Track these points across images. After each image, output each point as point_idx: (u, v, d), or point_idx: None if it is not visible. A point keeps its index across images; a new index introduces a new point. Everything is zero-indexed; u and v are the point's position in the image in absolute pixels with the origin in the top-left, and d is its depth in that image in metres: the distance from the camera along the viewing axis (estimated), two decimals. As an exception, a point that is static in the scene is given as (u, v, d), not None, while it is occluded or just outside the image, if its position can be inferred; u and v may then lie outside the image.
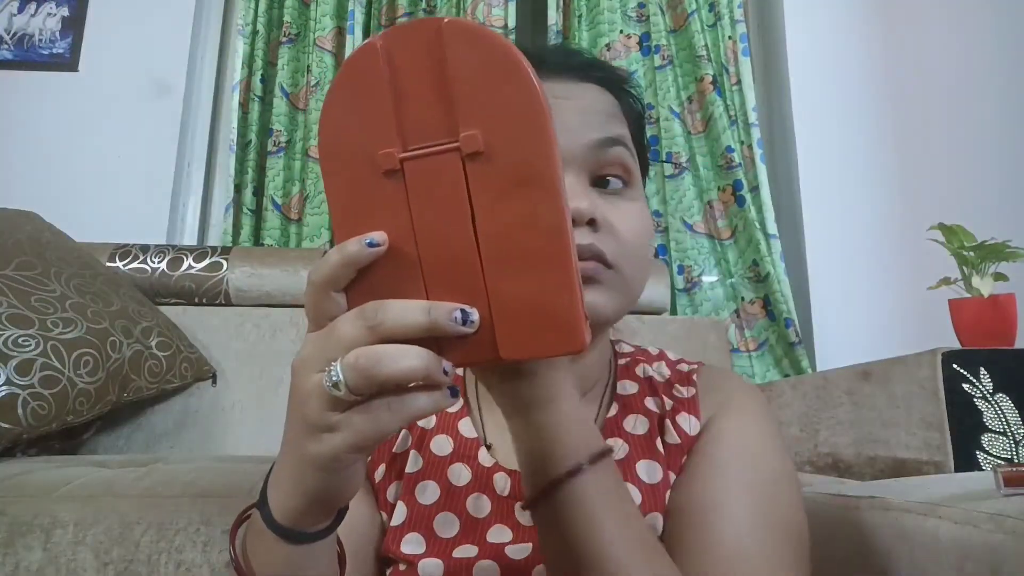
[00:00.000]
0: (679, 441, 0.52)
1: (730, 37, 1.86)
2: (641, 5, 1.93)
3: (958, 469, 0.79)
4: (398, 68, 0.30)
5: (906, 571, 0.47)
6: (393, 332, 0.29)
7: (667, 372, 0.58)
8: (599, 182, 0.49)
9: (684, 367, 0.59)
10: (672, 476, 0.51)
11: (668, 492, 0.50)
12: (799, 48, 1.89)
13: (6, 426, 0.91)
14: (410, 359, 0.29)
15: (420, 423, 0.56)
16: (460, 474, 0.53)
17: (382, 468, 0.55)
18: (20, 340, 0.96)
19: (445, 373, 0.30)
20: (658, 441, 0.52)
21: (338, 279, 0.30)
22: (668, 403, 0.55)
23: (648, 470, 0.51)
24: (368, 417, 0.29)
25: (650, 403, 0.55)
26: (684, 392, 0.55)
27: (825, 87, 1.86)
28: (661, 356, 0.61)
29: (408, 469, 0.54)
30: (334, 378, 0.29)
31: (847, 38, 1.90)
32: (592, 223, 0.46)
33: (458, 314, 0.29)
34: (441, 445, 0.55)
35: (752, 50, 1.95)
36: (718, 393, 0.55)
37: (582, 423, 0.39)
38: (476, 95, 0.29)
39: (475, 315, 0.29)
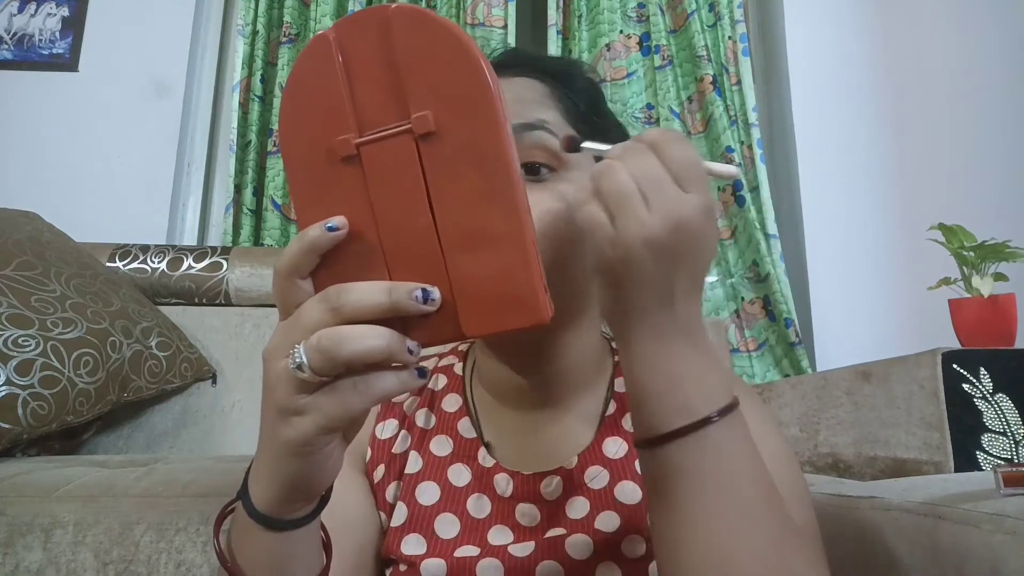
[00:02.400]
0: None
1: (730, 37, 1.86)
2: (641, 5, 1.93)
3: (958, 469, 0.79)
4: (351, 57, 0.31)
5: (906, 571, 0.47)
6: (355, 313, 0.29)
7: None
8: (529, 169, 0.48)
9: None
10: None
11: None
12: (799, 48, 1.89)
13: (6, 426, 0.91)
14: (372, 338, 0.29)
15: (419, 423, 0.56)
16: (460, 474, 0.53)
17: (381, 468, 0.55)
18: (20, 340, 0.96)
19: (411, 352, 0.30)
20: None
21: (301, 266, 0.31)
22: None
23: None
24: (335, 398, 0.30)
25: None
26: None
27: (825, 87, 1.86)
28: None
29: (408, 470, 0.54)
30: (298, 360, 0.29)
31: (847, 38, 1.90)
32: None
33: (419, 293, 0.29)
34: (441, 445, 0.55)
35: (752, 50, 1.95)
36: None
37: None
38: (425, 77, 0.30)
39: (436, 293, 0.30)
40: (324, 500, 0.36)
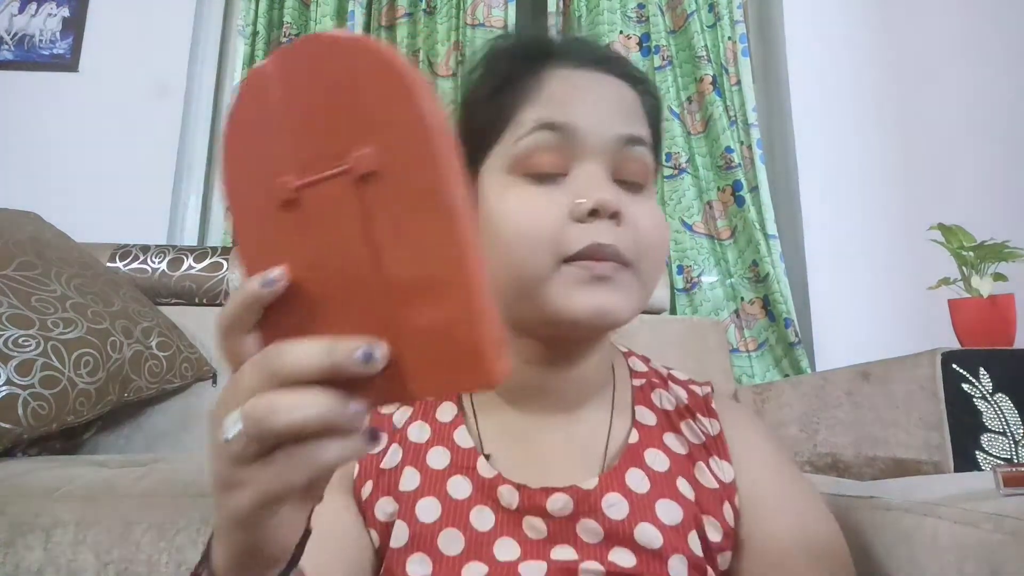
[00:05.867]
0: (716, 487, 0.51)
1: (730, 38, 1.86)
2: (641, 6, 1.93)
3: (958, 469, 0.79)
4: (289, 91, 0.28)
5: (906, 571, 0.48)
6: (293, 377, 0.26)
7: (684, 395, 0.57)
8: (621, 181, 0.49)
9: (697, 389, 0.58)
10: (702, 518, 0.49)
11: (691, 534, 0.49)
12: (799, 48, 1.89)
13: (6, 426, 0.91)
14: (306, 407, 0.26)
15: (412, 438, 0.54)
16: (460, 487, 0.50)
17: (369, 484, 0.52)
18: (20, 340, 0.97)
19: (356, 417, 0.27)
20: (680, 481, 0.51)
21: (242, 321, 0.29)
22: (694, 438, 0.54)
23: (668, 511, 0.49)
24: (272, 471, 0.27)
25: (670, 440, 0.54)
26: (708, 426, 0.55)
27: (825, 87, 1.86)
28: (672, 377, 0.60)
29: (404, 487, 0.51)
30: (231, 431, 0.27)
31: (846, 38, 1.90)
32: (616, 216, 0.46)
33: (361, 353, 0.26)
34: (438, 458, 0.52)
35: (752, 51, 1.96)
36: (740, 432, 0.55)
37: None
38: (365, 112, 0.27)
39: (380, 352, 0.26)
40: (295, 560, 0.33)
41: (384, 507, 0.51)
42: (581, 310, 0.46)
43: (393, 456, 0.53)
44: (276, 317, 0.29)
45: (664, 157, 1.84)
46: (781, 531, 0.49)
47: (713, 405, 0.56)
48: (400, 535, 0.49)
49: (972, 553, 0.42)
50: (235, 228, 0.30)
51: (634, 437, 0.53)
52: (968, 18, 1.87)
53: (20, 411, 0.92)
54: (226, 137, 0.30)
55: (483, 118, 0.52)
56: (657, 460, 0.52)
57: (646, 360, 0.61)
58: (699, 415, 0.55)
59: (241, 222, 0.30)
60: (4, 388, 0.92)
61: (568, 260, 0.46)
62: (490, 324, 0.26)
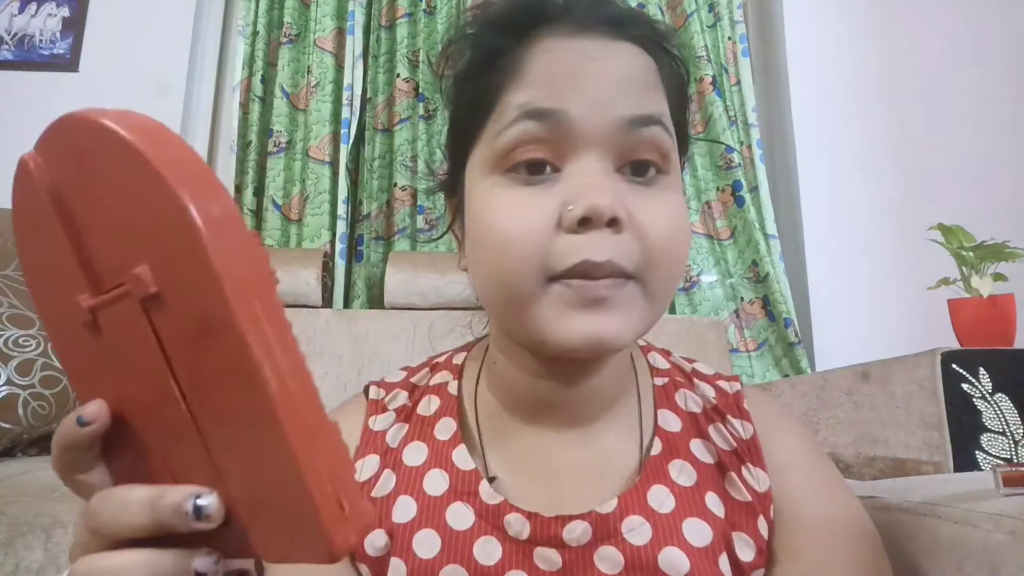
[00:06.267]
0: (749, 499, 0.44)
1: (729, 38, 1.86)
2: (641, 5, 1.93)
3: (957, 469, 0.79)
4: (58, 190, 0.23)
5: (905, 571, 0.47)
6: (118, 535, 0.23)
7: (712, 394, 0.50)
8: (629, 167, 0.41)
9: (725, 385, 0.51)
10: (732, 536, 0.43)
11: (722, 556, 0.43)
12: (799, 48, 1.89)
13: (7, 426, 0.91)
14: (129, 572, 0.22)
15: (407, 461, 0.47)
16: (461, 516, 0.44)
17: None
18: (21, 340, 0.97)
19: (210, 570, 0.23)
20: (709, 497, 0.44)
21: (72, 464, 0.25)
22: (724, 444, 0.47)
23: (697, 531, 0.43)
24: None
25: (697, 447, 0.47)
26: (740, 429, 0.47)
27: (824, 87, 1.86)
28: (697, 373, 0.52)
29: (399, 518, 0.44)
30: None
31: (846, 38, 1.90)
32: (614, 223, 0.38)
33: (189, 507, 0.22)
34: (435, 483, 0.46)
35: (751, 51, 1.96)
36: (775, 434, 0.48)
37: None
38: (135, 220, 0.21)
39: (211, 506, 0.22)
40: None
41: (374, 541, 0.44)
42: (571, 338, 0.39)
43: (386, 483, 0.46)
44: (116, 450, 0.25)
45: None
46: (819, 547, 0.43)
47: (745, 405, 0.49)
48: (397, 574, 0.43)
49: (971, 553, 0.42)
50: (51, 341, 0.25)
51: (657, 448, 0.46)
52: (968, 18, 1.87)
53: (20, 411, 0.92)
54: (16, 236, 0.25)
55: (465, 104, 0.45)
56: (683, 473, 0.45)
57: (666, 354, 0.54)
58: (730, 417, 0.48)
59: (54, 341, 0.26)
60: (4, 388, 0.92)
61: (556, 278, 0.39)
62: (321, 492, 0.21)
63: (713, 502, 0.44)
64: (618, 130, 0.40)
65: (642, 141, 0.40)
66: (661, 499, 0.44)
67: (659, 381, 0.50)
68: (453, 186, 0.48)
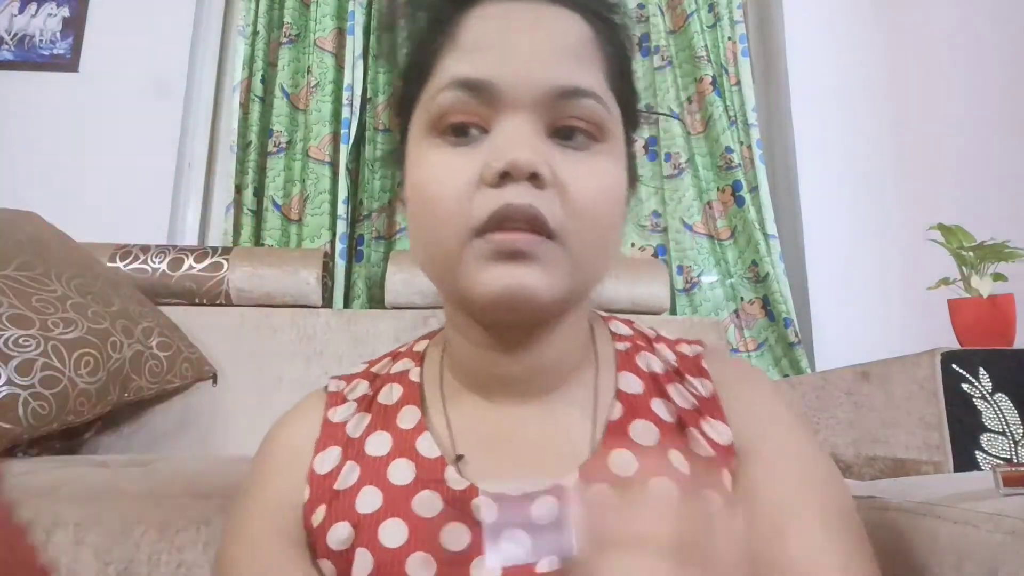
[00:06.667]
0: (712, 454, 0.44)
1: (729, 38, 1.86)
2: (641, 6, 1.93)
3: (957, 469, 0.79)
4: None
5: (905, 571, 0.48)
6: None
7: (671, 356, 0.50)
8: (561, 132, 0.41)
9: (686, 349, 0.51)
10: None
11: None
12: (799, 48, 1.89)
13: (7, 426, 0.91)
14: None
15: (370, 451, 0.46)
16: (428, 503, 0.43)
17: (322, 510, 0.45)
18: (21, 340, 0.97)
19: None
20: (672, 455, 0.44)
21: None
22: (684, 403, 0.47)
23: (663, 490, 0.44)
24: None
25: (658, 407, 0.47)
26: (699, 387, 0.48)
27: (824, 87, 1.86)
28: (660, 339, 0.52)
29: (363, 509, 0.44)
30: None
31: (846, 38, 1.90)
32: (535, 178, 0.38)
33: None
34: (401, 473, 0.45)
35: (752, 51, 1.96)
36: (735, 387, 0.48)
37: None
38: None
39: None
40: None
41: (338, 533, 0.43)
42: (490, 289, 0.39)
43: (349, 474, 0.45)
44: None
45: (664, 156, 1.84)
46: (778, 490, 0.43)
47: (703, 364, 0.49)
48: (363, 565, 0.42)
49: (971, 553, 0.42)
50: None
51: (616, 412, 0.46)
52: (968, 18, 1.87)
53: (20, 411, 0.92)
54: None
55: (406, 70, 0.46)
56: (645, 433, 0.45)
57: (629, 323, 0.54)
58: (688, 376, 0.48)
59: None
60: (4, 388, 0.92)
61: (479, 233, 0.39)
62: None
63: (678, 460, 0.44)
64: (546, 99, 0.40)
65: (571, 111, 0.41)
66: (624, 463, 0.43)
67: (621, 346, 0.51)
68: (400, 155, 0.48)
